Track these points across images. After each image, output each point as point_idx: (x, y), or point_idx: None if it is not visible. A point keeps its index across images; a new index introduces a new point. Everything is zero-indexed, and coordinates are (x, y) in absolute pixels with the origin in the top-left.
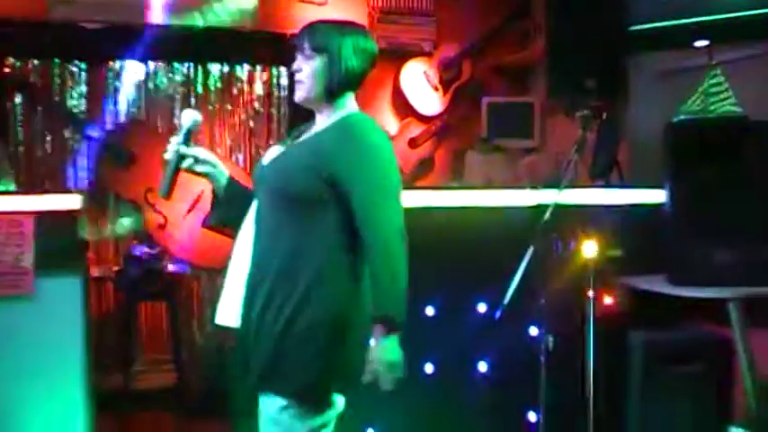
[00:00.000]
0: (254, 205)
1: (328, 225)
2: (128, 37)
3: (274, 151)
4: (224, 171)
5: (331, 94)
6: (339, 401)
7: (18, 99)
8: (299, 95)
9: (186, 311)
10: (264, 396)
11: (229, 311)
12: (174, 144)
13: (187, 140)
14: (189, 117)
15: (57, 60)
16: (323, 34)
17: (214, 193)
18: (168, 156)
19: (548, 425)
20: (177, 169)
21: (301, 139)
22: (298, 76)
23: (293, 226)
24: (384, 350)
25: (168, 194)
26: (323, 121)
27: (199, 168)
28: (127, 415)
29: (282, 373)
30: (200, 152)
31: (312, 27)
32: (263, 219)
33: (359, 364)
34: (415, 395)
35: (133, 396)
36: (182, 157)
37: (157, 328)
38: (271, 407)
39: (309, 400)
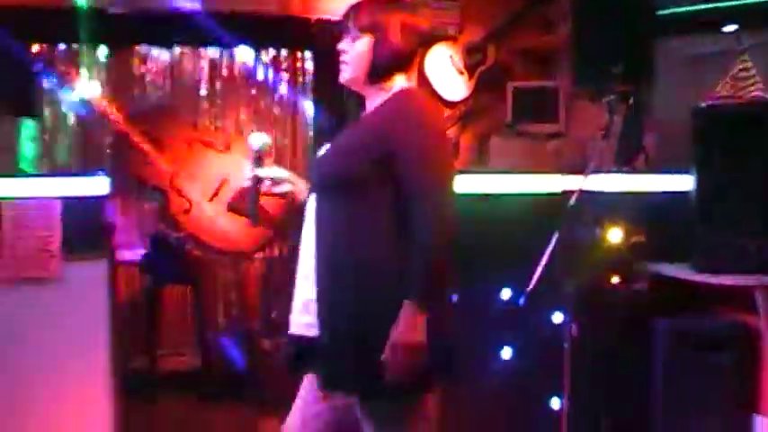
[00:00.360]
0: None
1: (388, 209)
2: (152, 22)
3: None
4: (303, 186)
5: (378, 74)
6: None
7: (45, 84)
8: (345, 76)
9: (211, 295)
10: (369, 402)
11: (301, 320)
12: (249, 170)
13: (259, 163)
14: (258, 140)
15: (82, 46)
16: (369, 13)
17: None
18: (246, 182)
19: (571, 412)
20: (258, 193)
21: (349, 128)
22: (343, 57)
23: (349, 215)
24: (406, 329)
25: (257, 220)
26: (371, 104)
27: (277, 189)
28: (151, 398)
29: (386, 379)
30: (275, 172)
31: (358, 6)
32: (320, 214)
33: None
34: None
35: (157, 379)
36: (259, 181)
37: (182, 312)
38: (379, 411)
39: (416, 392)
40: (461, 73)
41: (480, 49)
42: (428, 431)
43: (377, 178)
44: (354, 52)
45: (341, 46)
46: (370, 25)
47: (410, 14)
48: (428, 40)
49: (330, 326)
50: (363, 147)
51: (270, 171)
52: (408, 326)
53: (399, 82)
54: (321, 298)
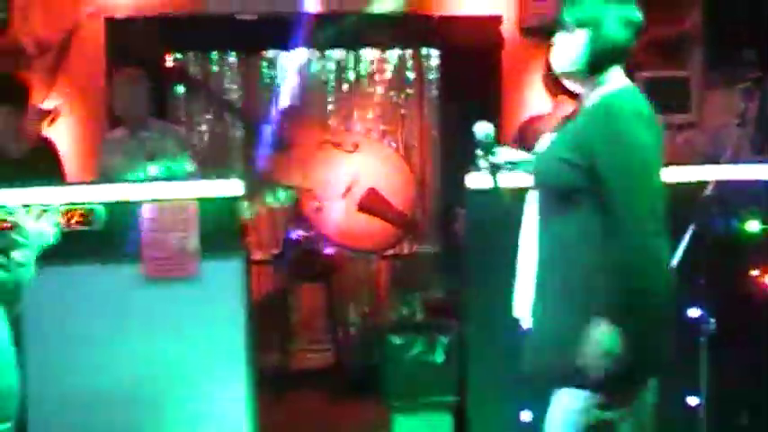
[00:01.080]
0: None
1: (590, 216)
2: (281, 27)
3: (547, 139)
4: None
5: (595, 68)
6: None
7: (179, 90)
8: (560, 67)
9: (342, 293)
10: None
11: (522, 304)
12: (484, 161)
13: (490, 152)
14: (483, 130)
15: (214, 52)
16: (586, 6)
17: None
18: (486, 172)
19: (710, 409)
20: (498, 182)
21: (567, 125)
22: (560, 51)
23: (558, 218)
24: (600, 338)
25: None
26: (585, 99)
27: (520, 171)
28: (285, 394)
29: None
30: (509, 155)
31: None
32: (540, 211)
33: (651, 342)
34: None
35: (292, 375)
36: (498, 168)
37: (315, 310)
38: (572, 402)
39: (609, 388)
40: None
41: None
42: None
43: (583, 189)
44: (570, 46)
45: (556, 39)
46: (586, 19)
47: (627, 6)
48: (642, 32)
49: (539, 317)
50: (569, 160)
51: (505, 156)
52: (602, 336)
53: (615, 76)
54: (536, 292)
